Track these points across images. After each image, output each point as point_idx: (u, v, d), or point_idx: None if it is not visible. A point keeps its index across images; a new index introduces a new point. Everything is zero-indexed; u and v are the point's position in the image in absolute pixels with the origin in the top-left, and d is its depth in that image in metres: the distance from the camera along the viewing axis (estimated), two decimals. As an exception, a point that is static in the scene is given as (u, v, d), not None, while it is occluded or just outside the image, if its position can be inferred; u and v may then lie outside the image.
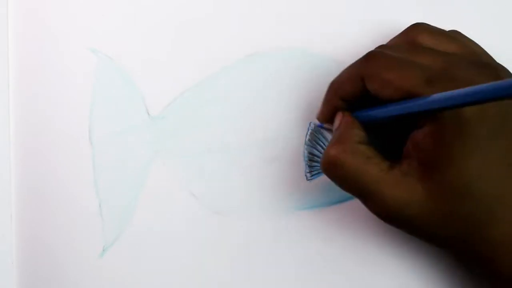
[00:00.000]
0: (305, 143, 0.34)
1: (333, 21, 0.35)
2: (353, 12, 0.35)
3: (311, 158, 0.34)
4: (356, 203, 0.34)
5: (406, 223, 0.27)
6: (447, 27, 0.31)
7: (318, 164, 0.34)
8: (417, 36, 0.30)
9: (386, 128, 0.30)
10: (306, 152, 0.34)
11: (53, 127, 0.35)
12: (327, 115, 0.31)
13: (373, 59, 0.28)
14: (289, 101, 0.35)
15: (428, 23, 0.32)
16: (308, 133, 0.34)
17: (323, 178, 0.34)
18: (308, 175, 0.34)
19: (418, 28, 0.30)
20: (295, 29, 0.35)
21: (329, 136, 0.34)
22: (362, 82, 0.28)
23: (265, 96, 0.35)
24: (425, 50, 0.28)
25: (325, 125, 0.33)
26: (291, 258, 0.34)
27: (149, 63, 0.35)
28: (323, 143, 0.34)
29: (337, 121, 0.30)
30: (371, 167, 0.27)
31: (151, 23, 0.35)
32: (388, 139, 0.29)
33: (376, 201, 0.27)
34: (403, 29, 0.31)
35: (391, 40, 0.31)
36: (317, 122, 0.34)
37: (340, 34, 0.35)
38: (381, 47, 0.30)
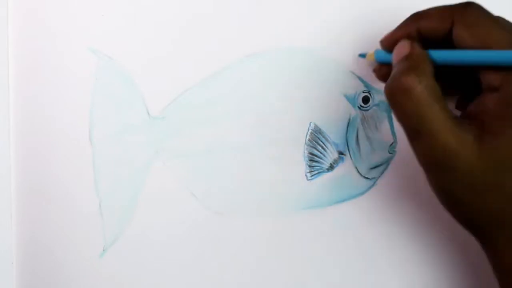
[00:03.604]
0: (305, 143, 0.34)
1: (333, 21, 0.35)
2: (353, 12, 0.35)
3: (311, 158, 0.34)
4: (356, 203, 0.34)
5: (447, 172, 0.27)
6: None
7: (318, 164, 0.34)
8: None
9: (452, 86, 0.29)
10: (306, 152, 0.34)
11: (53, 127, 0.35)
12: (394, 39, 0.30)
13: (472, 9, 0.27)
14: (289, 101, 0.35)
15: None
16: (308, 133, 0.34)
17: (323, 178, 0.34)
18: (308, 175, 0.34)
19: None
20: (295, 29, 0.35)
21: (329, 136, 0.34)
22: (450, 24, 0.28)
23: (265, 96, 0.35)
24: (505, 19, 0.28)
25: (368, 55, 0.31)
26: (291, 258, 0.35)
27: (149, 63, 0.35)
28: (323, 143, 0.34)
29: (404, 49, 0.29)
30: (438, 108, 0.26)
31: (151, 23, 0.35)
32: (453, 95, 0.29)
33: (428, 141, 0.27)
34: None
35: None
36: (317, 122, 0.34)
37: (340, 34, 0.35)
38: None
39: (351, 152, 0.34)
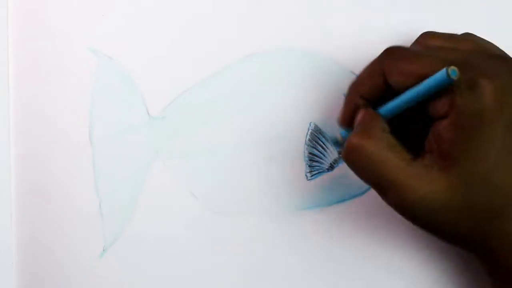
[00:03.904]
0: (305, 143, 0.34)
1: (333, 21, 0.35)
2: (352, 12, 0.35)
3: (311, 158, 0.34)
4: (356, 203, 0.34)
5: (424, 216, 0.27)
6: (446, 26, 0.32)
7: (318, 164, 0.34)
8: (429, 41, 0.30)
9: (406, 124, 0.30)
10: (306, 152, 0.34)
11: (53, 127, 0.35)
12: (348, 116, 0.30)
13: (392, 54, 0.28)
14: (289, 101, 0.35)
15: (425, 21, 0.32)
16: (308, 133, 0.34)
17: (323, 178, 0.34)
18: (308, 175, 0.34)
19: (428, 35, 0.30)
20: (295, 29, 0.35)
21: (329, 136, 0.34)
22: (383, 77, 0.28)
23: (265, 96, 0.35)
24: (441, 48, 0.29)
25: (340, 139, 0.32)
26: (291, 258, 0.34)
27: (149, 63, 0.35)
28: (323, 143, 0.34)
29: (359, 117, 0.29)
30: (394, 156, 0.27)
31: (151, 23, 0.35)
32: (408, 136, 0.29)
33: (395, 192, 0.27)
34: (400, 27, 0.31)
35: None
36: (317, 122, 0.34)
37: (340, 34, 0.35)
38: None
39: (351, 152, 0.34)
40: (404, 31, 0.34)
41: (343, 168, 0.34)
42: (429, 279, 0.34)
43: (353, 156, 0.28)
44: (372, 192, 0.34)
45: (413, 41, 0.31)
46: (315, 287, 0.35)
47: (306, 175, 0.34)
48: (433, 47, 0.29)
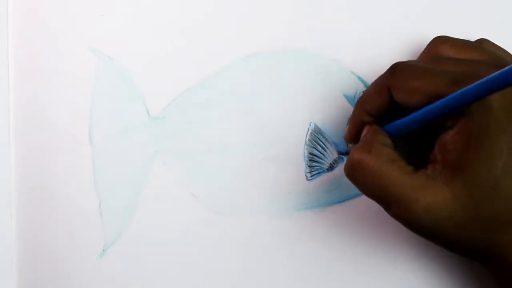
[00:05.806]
0: (305, 143, 0.34)
1: (333, 21, 0.35)
2: (353, 12, 0.35)
3: (311, 158, 0.34)
4: (356, 203, 0.34)
5: (429, 227, 0.27)
6: (445, 25, 0.32)
7: (318, 164, 0.34)
8: (438, 48, 0.30)
9: (412, 140, 0.30)
10: (306, 152, 0.34)
11: (53, 127, 0.35)
12: (354, 132, 0.31)
13: (398, 70, 0.28)
14: (289, 101, 0.35)
15: (428, 23, 0.32)
16: (308, 133, 0.34)
17: (323, 178, 0.34)
18: (308, 175, 0.34)
19: (439, 40, 0.31)
20: (295, 29, 0.35)
21: (329, 136, 0.34)
22: (388, 93, 0.28)
23: (265, 96, 0.35)
24: (448, 59, 0.29)
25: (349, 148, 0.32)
26: (291, 258, 0.35)
27: (149, 63, 0.35)
28: (323, 143, 0.34)
29: (363, 133, 0.30)
30: (395, 170, 0.27)
31: (151, 23, 0.35)
32: (414, 150, 0.29)
33: (399, 205, 0.27)
34: (400, 29, 0.31)
35: (417, 58, 0.32)
36: (317, 122, 0.34)
37: (340, 34, 0.35)
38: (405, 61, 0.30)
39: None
40: (404, 31, 0.34)
41: (343, 168, 0.34)
42: (430, 280, 0.34)
43: (354, 170, 0.28)
44: (372, 192, 0.34)
45: (411, 40, 0.31)
46: (314, 286, 0.34)
47: (306, 175, 0.34)
48: (442, 57, 0.29)
